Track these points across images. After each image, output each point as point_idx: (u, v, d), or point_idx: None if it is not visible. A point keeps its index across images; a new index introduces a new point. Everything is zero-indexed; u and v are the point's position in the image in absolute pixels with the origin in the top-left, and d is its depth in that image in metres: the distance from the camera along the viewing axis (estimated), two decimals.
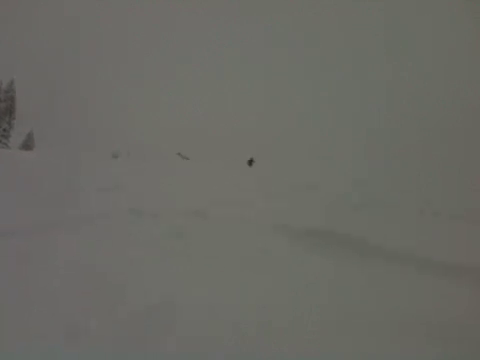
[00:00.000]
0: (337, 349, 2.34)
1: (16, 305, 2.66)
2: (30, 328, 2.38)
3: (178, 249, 4.27)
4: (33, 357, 2.13)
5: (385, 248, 4.16)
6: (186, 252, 4.20)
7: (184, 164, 15.84)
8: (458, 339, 2.43)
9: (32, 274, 3.18)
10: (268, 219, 5.86)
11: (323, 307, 2.88)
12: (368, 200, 7.19)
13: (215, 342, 2.36)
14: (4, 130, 46.20)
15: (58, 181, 7.59)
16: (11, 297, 2.78)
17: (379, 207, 6.60)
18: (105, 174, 9.14)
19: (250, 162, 22.72)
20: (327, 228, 4.91)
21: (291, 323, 2.62)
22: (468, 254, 3.97)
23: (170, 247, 4.31)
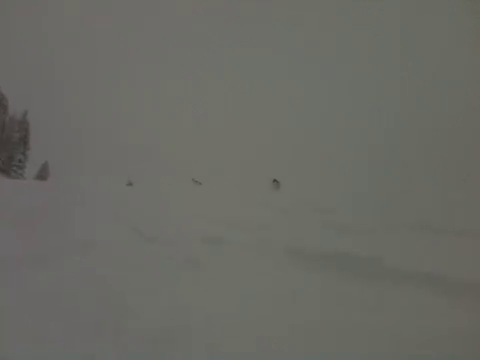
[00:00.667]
0: None
1: (27, 332, 2.60)
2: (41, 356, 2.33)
3: (193, 277, 4.23)
4: None
5: (400, 269, 4.11)
6: (201, 280, 4.19)
7: (199, 189, 15.89)
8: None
9: (45, 300, 3.15)
10: (283, 244, 5.76)
11: (331, 323, 2.90)
12: (380, 222, 7.04)
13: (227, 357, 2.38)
14: (19, 161, 46.97)
15: (72, 209, 7.54)
16: (24, 323, 2.73)
17: (392, 229, 6.48)
18: (120, 201, 9.09)
19: (275, 184, 22.10)
20: (341, 251, 4.88)
21: (305, 350, 2.57)
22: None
23: (185, 275, 4.25)
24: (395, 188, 9.99)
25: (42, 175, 48.25)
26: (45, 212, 7.21)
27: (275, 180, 22.83)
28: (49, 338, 2.51)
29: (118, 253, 4.95)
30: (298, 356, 2.44)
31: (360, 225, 6.88)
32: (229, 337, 2.67)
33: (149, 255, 5.01)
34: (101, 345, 2.45)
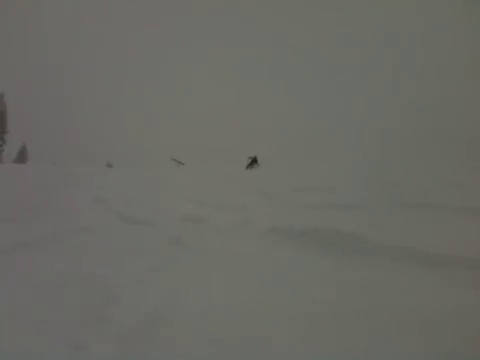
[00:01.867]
0: (338, 348, 2.29)
1: (11, 319, 2.53)
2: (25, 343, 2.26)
3: (177, 256, 4.19)
4: None
5: (385, 245, 4.12)
6: (186, 259, 4.14)
7: (181, 169, 15.79)
8: (456, 334, 2.37)
9: (21, 287, 3.11)
10: (267, 222, 5.79)
11: (324, 306, 2.85)
12: (366, 198, 7.10)
13: (217, 346, 2.30)
14: None
15: (51, 192, 7.46)
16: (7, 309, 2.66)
17: (378, 204, 6.53)
18: (100, 183, 9.01)
19: (252, 162, 17.81)
20: (326, 227, 4.86)
21: (292, 325, 2.57)
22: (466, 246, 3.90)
23: (169, 255, 4.24)
24: (394, 167, 10.05)
25: (21, 158, 47.35)
26: (26, 196, 7.13)
27: (251, 158, 17.07)
28: (32, 325, 2.50)
29: (101, 236, 4.92)
30: (285, 336, 2.48)
31: (355, 203, 6.92)
32: (216, 320, 2.69)
33: (132, 237, 5.00)
34: (86, 332, 2.45)
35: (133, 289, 3.20)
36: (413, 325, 2.54)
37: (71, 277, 3.40)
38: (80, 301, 2.91)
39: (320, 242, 4.49)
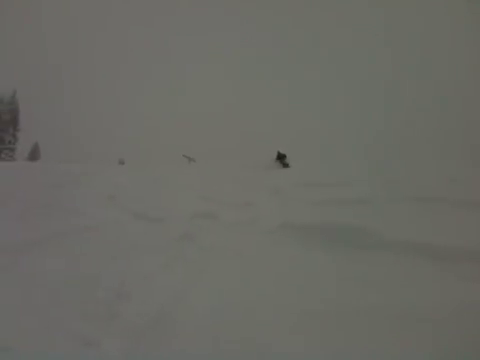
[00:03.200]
0: (343, 342, 2.32)
1: (25, 316, 2.60)
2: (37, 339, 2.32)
3: (188, 253, 4.20)
4: None
5: (392, 239, 4.10)
6: (196, 256, 4.14)
7: (192, 166, 15.77)
8: (461, 327, 2.39)
9: (33, 284, 3.15)
10: (277, 219, 5.77)
11: (332, 301, 2.87)
12: (372, 193, 7.04)
13: (225, 342, 2.34)
14: (9, 142, 46.40)
15: (64, 190, 7.51)
16: (20, 306, 2.72)
17: (383, 199, 6.47)
18: (112, 181, 9.05)
19: (281, 159, 13.47)
20: (334, 223, 4.85)
21: (300, 321, 2.58)
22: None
23: (180, 251, 4.24)
24: (398, 164, 9.96)
25: (33, 156, 47.74)
26: (38, 194, 7.19)
27: (280, 155, 13.38)
28: (43, 322, 2.52)
29: (113, 233, 4.95)
30: (295, 328, 2.47)
31: (361, 198, 6.85)
32: (225, 317, 2.69)
33: (143, 234, 5.02)
34: (96, 328, 2.47)
35: (144, 286, 3.22)
36: (419, 318, 2.54)
37: (83, 274, 3.43)
38: (91, 298, 2.94)
39: (329, 238, 4.48)
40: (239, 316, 2.69)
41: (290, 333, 2.44)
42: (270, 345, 2.30)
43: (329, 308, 2.78)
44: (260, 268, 3.74)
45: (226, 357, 2.22)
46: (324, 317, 2.65)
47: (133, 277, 3.39)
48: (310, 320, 2.61)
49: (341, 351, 2.23)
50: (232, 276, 3.51)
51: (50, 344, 2.28)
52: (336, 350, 2.24)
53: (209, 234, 5.09)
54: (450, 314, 2.56)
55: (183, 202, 7.39)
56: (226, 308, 2.82)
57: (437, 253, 3.59)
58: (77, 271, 3.49)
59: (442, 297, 2.83)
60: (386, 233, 4.23)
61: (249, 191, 8.67)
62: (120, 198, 7.09)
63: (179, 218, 5.95)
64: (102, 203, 6.56)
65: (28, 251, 3.89)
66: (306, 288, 3.19)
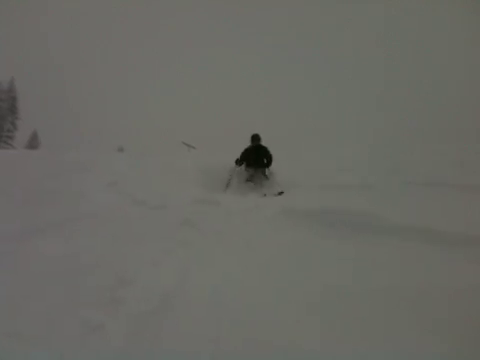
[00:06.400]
0: (357, 322, 2.33)
1: (27, 300, 2.60)
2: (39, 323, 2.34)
3: (190, 238, 4.21)
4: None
5: (394, 224, 4.05)
6: (197, 241, 4.18)
7: (192, 153, 15.73)
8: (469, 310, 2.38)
9: (35, 271, 3.14)
10: (279, 204, 5.78)
11: (337, 285, 2.85)
12: (376, 179, 7.03)
13: (229, 327, 2.34)
14: (8, 130, 46.33)
15: (63, 177, 7.48)
16: (22, 291, 2.71)
17: (388, 184, 6.45)
18: (112, 168, 9.03)
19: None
20: (338, 207, 4.82)
21: (304, 306, 2.59)
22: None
23: (181, 237, 4.25)
24: (408, 148, 9.97)
25: (33, 144, 47.65)
26: (38, 182, 7.17)
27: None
28: (46, 307, 2.53)
29: (113, 220, 4.94)
30: (296, 315, 2.47)
31: (365, 183, 6.85)
32: (232, 300, 2.70)
33: (144, 220, 5.02)
34: (99, 313, 2.47)
35: (146, 271, 3.22)
36: (434, 298, 2.54)
37: (84, 260, 3.43)
38: (94, 283, 2.93)
39: (332, 222, 4.45)
40: (242, 300, 2.70)
41: (297, 317, 2.44)
42: (274, 329, 2.30)
43: (337, 291, 2.78)
44: (262, 253, 3.74)
45: (229, 341, 2.21)
46: (330, 300, 2.65)
47: (135, 263, 3.38)
48: (315, 303, 2.61)
49: (348, 334, 2.23)
50: (234, 261, 3.52)
51: (53, 330, 2.29)
52: (342, 333, 2.24)
53: (211, 220, 5.10)
54: (463, 296, 2.55)
55: (184, 188, 7.39)
56: (229, 293, 2.83)
57: (445, 237, 3.55)
58: (79, 257, 3.48)
59: (453, 280, 2.81)
60: (391, 218, 4.18)
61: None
62: (120, 185, 7.06)
63: (180, 204, 5.95)
64: (103, 190, 6.53)
65: (29, 238, 3.87)
66: (310, 271, 3.19)
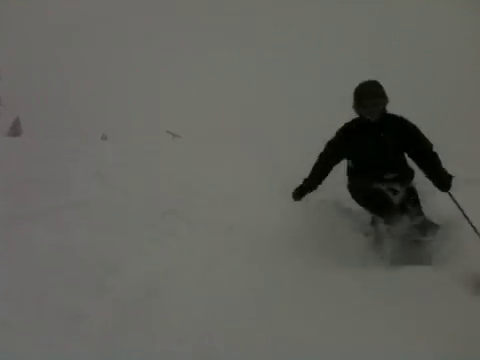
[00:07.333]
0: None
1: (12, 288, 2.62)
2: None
3: (175, 228, 4.21)
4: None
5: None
6: (183, 230, 4.19)
7: (176, 142, 15.65)
8: None
9: (20, 260, 3.14)
10: (266, 195, 5.79)
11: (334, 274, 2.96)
12: None
13: (214, 314, 2.40)
14: None
15: (48, 165, 7.39)
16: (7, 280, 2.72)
17: None
18: (96, 156, 8.93)
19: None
20: (325, 200, 4.78)
21: (293, 297, 2.67)
22: None
23: (167, 226, 4.25)
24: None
25: (14, 131, 46.79)
26: (21, 169, 7.07)
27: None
28: (32, 296, 2.54)
29: (100, 208, 4.92)
30: (284, 303, 2.51)
31: None
32: (219, 288, 2.73)
33: (130, 209, 5.01)
34: (85, 301, 2.49)
35: (133, 260, 3.24)
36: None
37: (70, 249, 3.43)
38: (80, 272, 2.94)
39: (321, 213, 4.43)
40: (230, 289, 2.73)
41: (285, 305, 2.48)
42: (262, 315, 2.34)
43: (333, 278, 2.82)
44: (250, 242, 3.77)
45: (216, 329, 2.25)
46: (326, 292, 2.71)
47: (122, 251, 3.41)
48: (306, 292, 2.66)
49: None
50: (221, 250, 3.54)
51: (41, 317, 2.30)
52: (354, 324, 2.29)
53: (197, 209, 5.10)
54: None
55: (169, 177, 7.36)
56: (216, 281, 2.86)
57: None
58: (66, 246, 3.48)
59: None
60: None
61: (236, 168, 8.63)
62: (106, 174, 7.00)
63: (166, 193, 5.93)
64: (88, 179, 6.48)
65: (16, 226, 3.85)
66: (300, 259, 3.22)
